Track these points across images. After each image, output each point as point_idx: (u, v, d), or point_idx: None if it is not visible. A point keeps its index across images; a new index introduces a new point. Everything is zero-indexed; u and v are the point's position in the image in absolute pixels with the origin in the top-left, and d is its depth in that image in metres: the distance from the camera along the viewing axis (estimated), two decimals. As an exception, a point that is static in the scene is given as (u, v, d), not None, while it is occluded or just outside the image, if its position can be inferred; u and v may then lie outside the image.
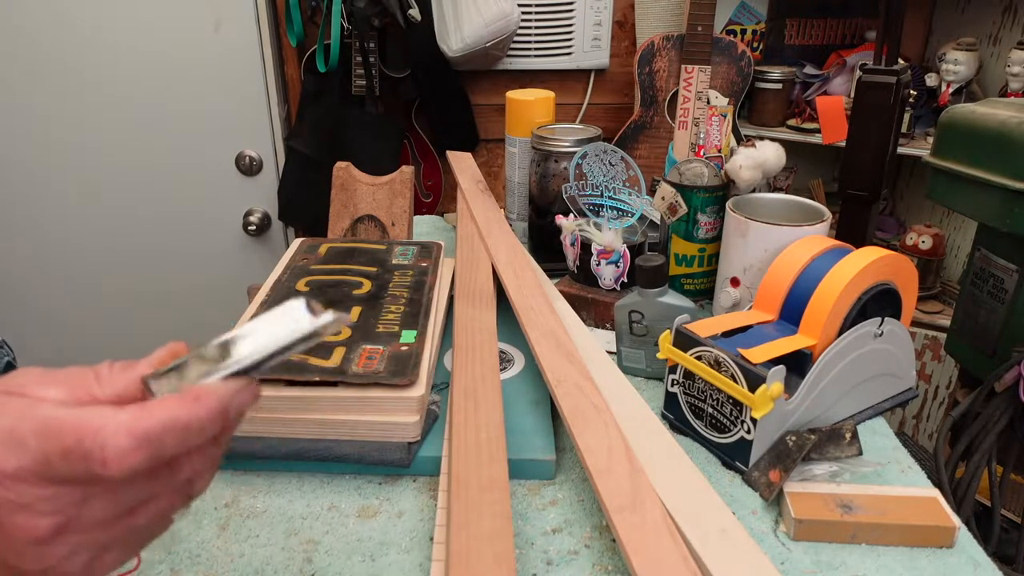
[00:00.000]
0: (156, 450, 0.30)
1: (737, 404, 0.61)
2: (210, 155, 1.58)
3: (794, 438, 0.61)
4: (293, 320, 0.33)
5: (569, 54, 1.73)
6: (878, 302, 0.67)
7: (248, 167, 1.60)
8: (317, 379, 0.60)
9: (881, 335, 0.66)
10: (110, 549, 0.32)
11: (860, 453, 0.63)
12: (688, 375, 0.66)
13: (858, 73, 1.07)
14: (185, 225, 1.63)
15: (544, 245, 1.01)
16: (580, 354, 0.70)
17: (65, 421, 0.29)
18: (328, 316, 0.33)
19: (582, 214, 0.87)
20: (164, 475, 0.32)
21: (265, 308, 0.72)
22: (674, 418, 0.69)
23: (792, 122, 1.69)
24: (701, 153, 0.93)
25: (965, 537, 0.56)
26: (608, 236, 0.84)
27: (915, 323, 1.57)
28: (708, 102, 1.36)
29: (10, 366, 0.70)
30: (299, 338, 0.33)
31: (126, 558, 0.34)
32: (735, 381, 0.60)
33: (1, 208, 1.57)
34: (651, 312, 0.75)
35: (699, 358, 0.64)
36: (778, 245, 0.74)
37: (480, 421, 0.60)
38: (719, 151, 0.92)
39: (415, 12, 1.52)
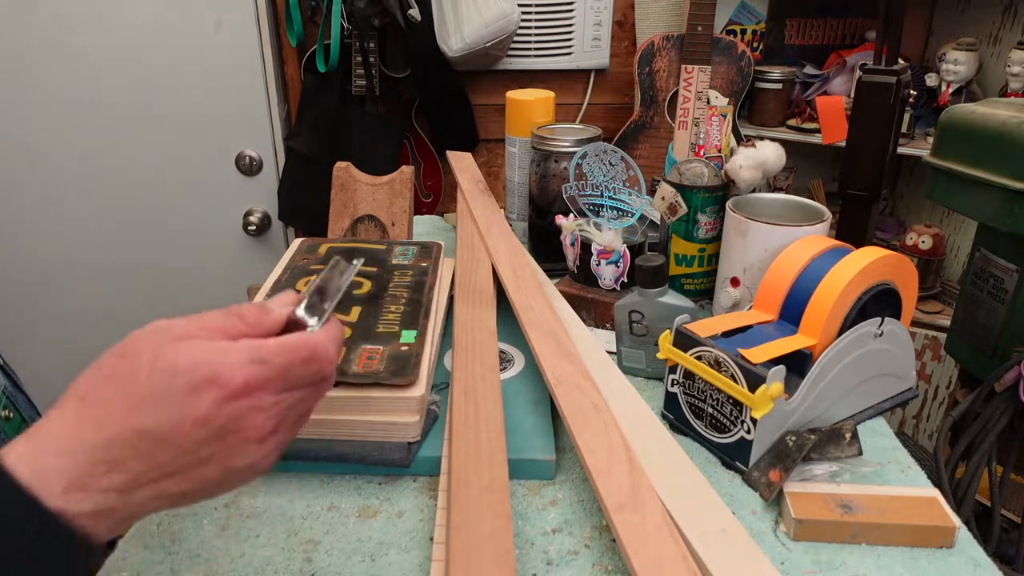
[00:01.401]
0: (339, 350, 0.43)
1: (737, 404, 0.61)
2: (210, 155, 1.58)
3: (794, 438, 0.61)
4: (341, 270, 0.46)
5: (569, 54, 1.73)
6: (878, 302, 0.67)
7: (248, 167, 1.60)
8: (317, 379, 0.60)
9: (881, 335, 0.66)
10: (282, 447, 0.42)
11: (860, 453, 0.63)
12: (688, 375, 0.66)
13: (858, 73, 1.07)
14: (185, 225, 1.63)
15: (544, 245, 1.01)
16: (580, 354, 0.70)
17: (292, 339, 0.40)
18: (359, 261, 0.48)
19: (582, 214, 0.87)
20: (323, 393, 0.44)
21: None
22: (674, 418, 0.69)
23: (792, 122, 1.69)
24: (701, 153, 0.93)
25: (965, 537, 0.56)
26: (608, 236, 0.84)
27: (915, 323, 1.57)
28: (708, 102, 1.36)
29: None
30: (350, 279, 0.46)
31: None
32: (735, 381, 0.60)
33: (0, 208, 1.57)
34: (651, 312, 0.75)
35: (699, 358, 0.64)
36: (778, 245, 0.74)
37: (480, 421, 0.60)
38: (719, 151, 0.92)
39: (415, 12, 1.52)
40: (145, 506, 0.37)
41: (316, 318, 0.43)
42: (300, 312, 0.43)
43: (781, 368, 0.58)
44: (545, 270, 0.91)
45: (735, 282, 0.82)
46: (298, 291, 0.75)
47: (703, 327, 0.66)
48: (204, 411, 0.36)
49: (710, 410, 0.65)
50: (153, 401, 0.36)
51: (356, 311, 0.71)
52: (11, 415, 0.64)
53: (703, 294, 0.92)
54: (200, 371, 0.36)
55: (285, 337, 0.40)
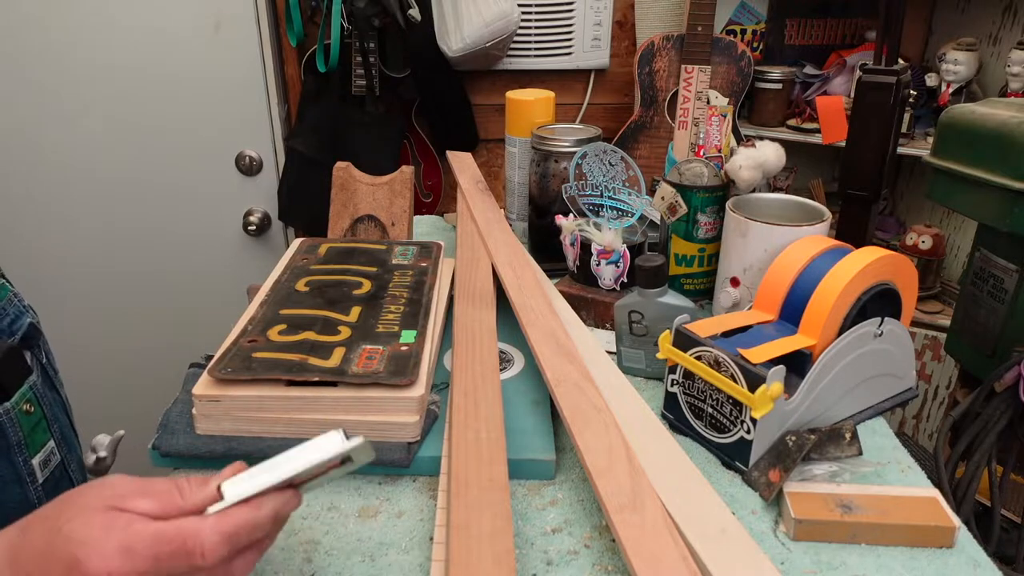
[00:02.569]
0: (234, 543, 0.40)
1: (737, 404, 0.61)
2: (210, 155, 1.58)
3: (794, 438, 0.61)
4: (330, 442, 0.43)
5: (569, 54, 1.73)
6: (878, 302, 0.67)
7: (248, 167, 1.60)
8: (317, 379, 0.60)
9: (881, 335, 0.66)
10: None
11: (860, 453, 0.63)
12: (688, 375, 0.66)
13: (858, 73, 1.07)
14: (185, 225, 1.63)
15: (544, 245, 1.01)
16: (580, 354, 0.70)
17: (169, 530, 0.39)
18: (358, 440, 0.43)
19: (582, 214, 0.87)
20: (221, 569, 0.41)
21: (264, 307, 0.72)
22: (674, 418, 0.69)
23: (792, 122, 1.69)
24: (701, 153, 0.93)
25: (965, 537, 0.56)
26: (608, 236, 0.84)
27: (915, 323, 1.57)
28: (708, 102, 1.36)
29: (34, 328, 0.72)
30: (331, 457, 0.43)
31: None
32: (735, 381, 0.60)
33: (0, 208, 1.57)
34: (651, 312, 0.75)
35: (699, 358, 0.64)
36: (778, 245, 0.74)
37: (480, 421, 0.60)
38: (719, 151, 0.92)
39: (415, 12, 1.52)
40: None
41: (223, 501, 0.41)
42: (224, 486, 0.42)
43: (781, 368, 0.58)
44: (545, 270, 0.91)
45: (735, 282, 0.82)
46: (299, 291, 0.75)
47: (703, 327, 0.66)
48: None
49: (710, 410, 0.65)
50: (43, 564, 0.39)
51: (356, 311, 0.71)
52: (32, 409, 0.65)
53: (703, 294, 0.92)
54: (80, 550, 0.38)
55: (161, 525, 0.39)
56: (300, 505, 0.45)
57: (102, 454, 0.79)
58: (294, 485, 0.44)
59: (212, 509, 0.41)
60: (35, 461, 0.65)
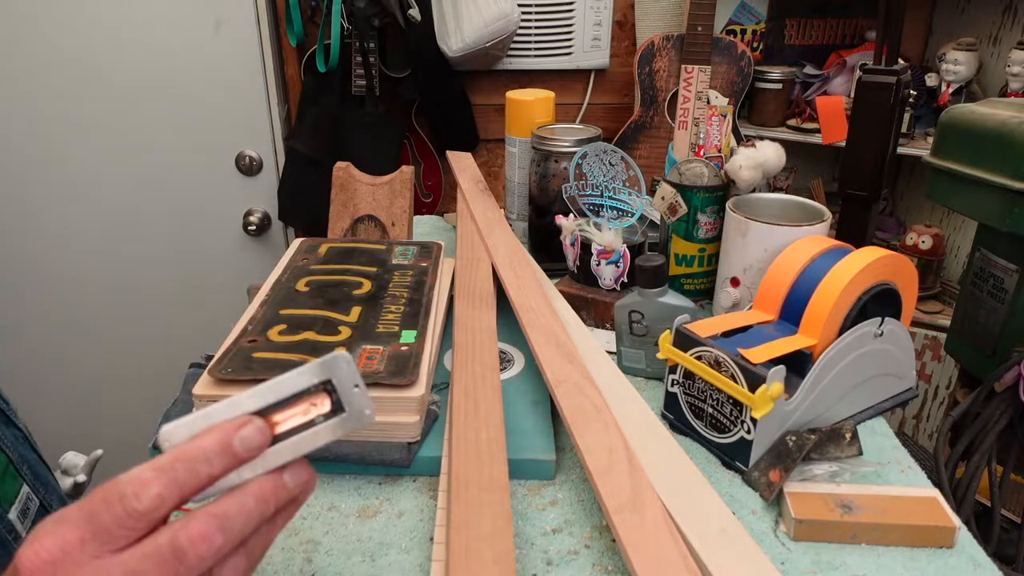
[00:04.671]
0: (170, 477, 0.32)
1: (737, 404, 0.61)
2: (210, 155, 1.58)
3: (794, 438, 0.61)
4: (298, 372, 0.35)
5: (569, 54, 1.73)
6: (878, 302, 0.67)
7: (248, 167, 1.60)
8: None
9: (881, 335, 0.66)
10: None
11: (860, 453, 0.63)
12: (688, 375, 0.66)
13: (858, 73, 1.07)
14: (185, 225, 1.63)
15: (544, 245, 1.01)
16: (580, 354, 0.70)
17: (100, 487, 0.32)
18: (333, 354, 0.35)
19: (582, 214, 0.87)
20: (172, 565, 0.32)
21: (264, 307, 0.72)
22: (674, 418, 0.69)
23: (792, 122, 1.69)
24: (701, 153, 0.93)
25: (965, 537, 0.56)
26: (608, 236, 0.84)
27: (915, 323, 1.57)
28: (708, 102, 1.36)
29: None
30: (292, 373, 0.35)
31: None
32: (735, 381, 0.60)
33: (1, 207, 1.57)
34: (651, 312, 0.75)
35: (699, 358, 0.64)
36: (778, 245, 0.74)
37: (480, 421, 0.60)
38: (719, 151, 0.92)
39: (415, 12, 1.52)
40: None
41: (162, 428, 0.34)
42: (165, 428, 0.34)
43: (781, 368, 0.58)
44: (545, 270, 0.91)
45: (735, 282, 0.82)
46: (299, 291, 0.75)
47: (703, 327, 0.66)
48: None
49: (710, 410, 0.65)
50: None
51: (356, 311, 0.71)
52: None
53: (703, 294, 0.92)
54: (17, 556, 0.32)
55: (96, 489, 0.33)
56: (267, 437, 0.35)
57: (80, 478, 0.72)
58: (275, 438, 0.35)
59: (159, 436, 0.34)
60: (12, 515, 0.57)
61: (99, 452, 0.74)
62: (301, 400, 0.35)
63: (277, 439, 0.35)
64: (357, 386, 0.35)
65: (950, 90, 1.54)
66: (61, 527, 0.32)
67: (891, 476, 0.63)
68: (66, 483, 0.74)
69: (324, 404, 0.35)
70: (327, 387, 0.35)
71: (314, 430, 0.35)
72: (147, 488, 0.32)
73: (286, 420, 0.35)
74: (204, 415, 0.34)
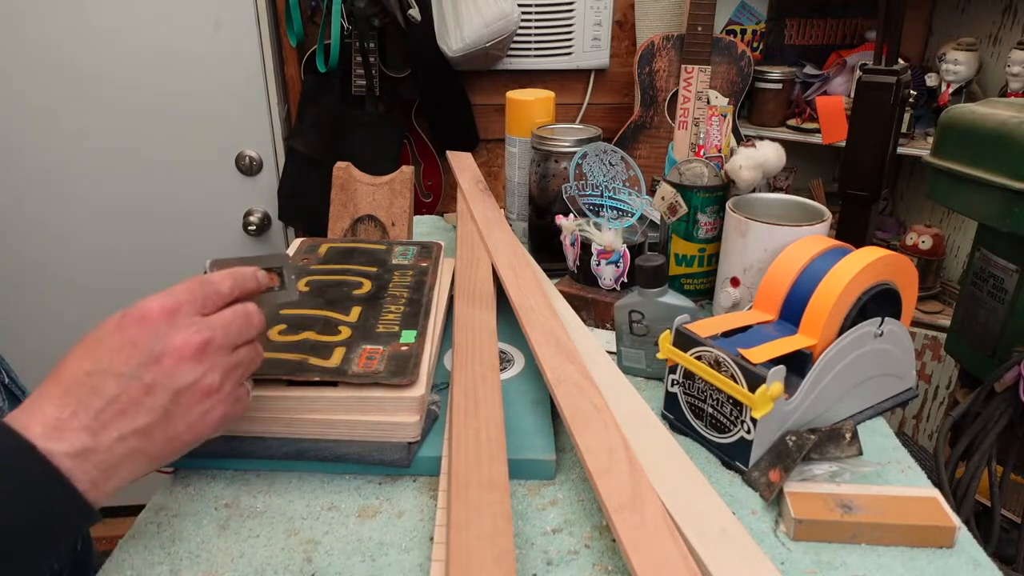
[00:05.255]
0: (235, 278, 0.51)
1: (737, 404, 0.61)
2: (210, 155, 1.58)
3: (794, 438, 0.61)
4: (261, 258, 0.57)
5: (569, 54, 1.73)
6: (878, 302, 0.67)
7: (248, 167, 1.60)
8: (317, 379, 0.60)
9: (881, 335, 0.66)
10: (229, 377, 0.49)
11: (860, 453, 0.63)
12: (688, 375, 0.66)
13: (858, 73, 1.07)
14: (185, 225, 1.63)
15: (544, 245, 1.01)
16: (580, 354, 0.70)
17: (187, 280, 0.49)
18: (283, 252, 0.60)
19: (582, 214, 0.87)
20: (246, 318, 0.51)
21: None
22: (674, 418, 0.69)
23: (792, 122, 1.69)
24: (701, 153, 0.93)
25: (965, 537, 0.56)
26: (608, 236, 0.84)
27: (915, 323, 1.57)
28: (708, 102, 1.36)
29: None
30: (258, 255, 0.58)
31: (239, 405, 0.51)
32: (735, 381, 0.60)
33: (0, 208, 1.57)
34: (651, 312, 0.75)
35: (699, 358, 0.64)
36: (778, 245, 0.74)
37: (480, 421, 0.60)
38: (719, 151, 0.92)
39: (415, 12, 1.52)
40: (117, 451, 0.43)
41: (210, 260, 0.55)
42: (210, 261, 0.55)
43: (781, 368, 0.58)
44: (545, 270, 0.91)
45: (735, 282, 0.82)
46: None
47: (703, 327, 0.66)
48: (132, 336, 0.44)
49: (710, 410, 0.65)
50: (95, 345, 0.44)
51: (356, 311, 0.71)
52: None
53: (703, 294, 0.92)
54: (126, 312, 0.45)
55: (189, 280, 0.49)
56: (259, 313, 0.53)
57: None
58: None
59: (207, 265, 0.54)
60: None
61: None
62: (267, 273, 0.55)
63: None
64: (293, 276, 0.57)
65: (950, 90, 1.54)
66: (172, 294, 0.46)
67: (891, 476, 0.63)
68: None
69: (276, 282, 0.57)
70: (278, 271, 0.57)
71: (271, 295, 0.56)
72: (225, 282, 0.50)
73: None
74: (227, 260, 0.54)
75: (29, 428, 0.40)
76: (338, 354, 0.63)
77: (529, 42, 1.70)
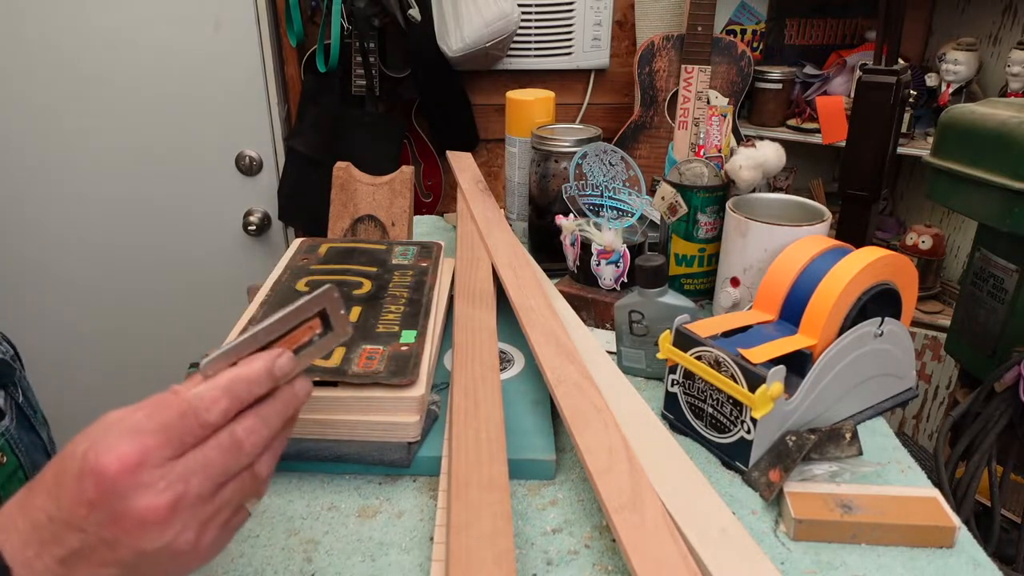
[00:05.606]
0: (233, 395, 0.39)
1: (737, 404, 0.61)
2: (210, 155, 1.58)
3: (794, 438, 0.61)
4: (298, 306, 0.43)
5: (569, 54, 1.73)
6: (878, 302, 0.67)
7: (248, 167, 1.60)
8: (317, 379, 0.60)
9: (881, 335, 0.66)
10: (209, 527, 0.40)
11: (860, 453, 0.63)
12: (688, 375, 0.66)
13: (858, 73, 1.07)
14: (185, 225, 1.63)
15: (544, 245, 1.01)
16: (580, 354, 0.70)
17: (170, 400, 0.38)
18: (323, 288, 0.44)
19: (582, 214, 0.87)
20: (234, 450, 0.40)
21: (265, 308, 0.72)
22: (674, 418, 0.69)
23: (792, 122, 1.69)
24: (701, 153, 0.93)
25: (965, 537, 0.56)
26: (608, 236, 0.84)
27: (915, 323, 1.57)
28: (708, 102, 1.36)
29: (6, 365, 0.68)
30: (296, 307, 0.43)
31: (222, 540, 0.41)
32: (735, 381, 0.60)
33: (1, 207, 1.57)
34: (651, 312, 0.75)
35: (699, 358, 0.64)
36: (778, 245, 0.74)
37: (480, 421, 0.60)
38: (719, 151, 0.92)
39: (415, 12, 1.52)
40: None
41: (206, 358, 0.41)
42: (208, 359, 0.41)
43: (781, 368, 0.58)
44: (545, 270, 0.91)
45: (735, 282, 0.82)
46: (299, 291, 0.75)
47: (703, 327, 0.66)
48: (89, 495, 0.36)
49: (710, 410, 0.65)
50: (56, 489, 0.37)
51: (356, 311, 0.71)
52: (5, 459, 0.61)
53: (703, 294, 0.92)
54: (87, 456, 0.36)
55: (155, 397, 0.39)
56: (301, 380, 0.44)
57: None
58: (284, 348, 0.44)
59: (202, 365, 0.41)
60: None
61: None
62: (302, 326, 0.44)
63: None
64: (342, 311, 0.45)
65: (950, 90, 1.54)
66: (138, 436, 0.37)
67: (891, 476, 0.63)
68: None
69: (318, 327, 0.45)
70: (321, 314, 0.45)
71: (313, 347, 0.45)
72: (217, 404, 0.39)
73: (294, 342, 0.44)
74: (235, 348, 0.41)
75: (3, 547, 0.37)
76: (338, 354, 0.63)
77: (529, 42, 1.70)
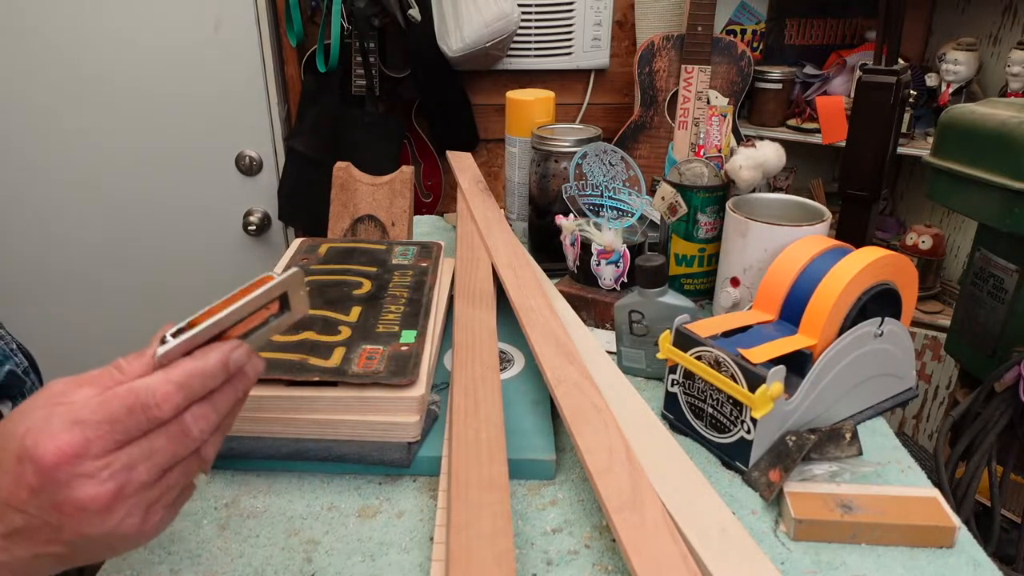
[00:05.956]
0: (187, 390, 0.39)
1: (737, 404, 0.61)
2: (210, 155, 1.58)
3: (794, 438, 0.61)
4: (265, 291, 0.42)
5: (569, 54, 1.73)
6: (878, 302, 0.67)
7: (248, 167, 1.60)
8: (317, 379, 0.60)
9: (881, 335, 0.66)
10: (154, 509, 0.40)
11: (860, 453, 0.63)
12: (688, 375, 0.66)
13: (858, 73, 1.07)
14: (185, 225, 1.63)
15: (544, 245, 1.01)
16: (580, 354, 0.70)
17: (119, 392, 0.37)
18: (287, 273, 0.43)
19: (582, 214, 0.87)
20: (181, 438, 0.39)
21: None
22: (674, 418, 0.69)
23: (792, 122, 1.69)
24: (701, 153, 0.93)
25: (965, 537, 0.56)
26: (608, 236, 0.84)
27: (915, 323, 1.57)
28: (708, 102, 1.36)
29: (14, 376, 0.68)
30: (258, 294, 0.42)
31: (168, 518, 0.41)
32: (735, 381, 0.60)
33: (1, 208, 1.57)
34: (651, 312, 0.75)
35: (699, 358, 0.64)
36: (778, 245, 0.74)
37: (480, 421, 0.60)
38: (719, 151, 0.92)
39: (415, 12, 1.52)
40: (32, 564, 0.38)
41: (167, 343, 0.39)
42: (167, 335, 0.40)
43: (781, 368, 0.58)
44: (545, 270, 0.91)
45: (735, 282, 0.82)
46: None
47: (703, 327, 0.66)
48: (29, 480, 0.36)
49: (710, 410, 0.65)
50: (1, 460, 0.37)
51: (356, 311, 0.71)
52: None
53: (703, 294, 0.92)
54: (26, 440, 0.36)
55: (107, 392, 0.38)
56: (253, 359, 0.43)
57: None
58: (239, 336, 0.43)
59: (157, 354, 0.39)
60: None
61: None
62: (261, 308, 0.43)
63: (243, 337, 0.43)
64: (303, 291, 0.44)
65: (950, 90, 1.54)
66: (81, 429, 0.36)
67: (891, 476, 0.63)
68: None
69: (275, 308, 0.44)
70: (281, 295, 0.44)
71: (268, 327, 0.44)
72: (170, 400, 0.38)
73: (249, 323, 0.43)
74: (192, 338, 0.40)
75: None
76: (338, 354, 0.63)
77: (529, 42, 1.70)
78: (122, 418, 0.37)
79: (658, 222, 0.86)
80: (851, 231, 0.88)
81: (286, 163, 1.61)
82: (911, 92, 1.52)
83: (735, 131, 1.59)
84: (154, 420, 0.38)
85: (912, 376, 0.73)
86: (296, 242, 0.87)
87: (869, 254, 0.67)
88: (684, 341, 0.65)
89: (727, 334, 0.66)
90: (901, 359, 0.71)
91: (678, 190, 0.87)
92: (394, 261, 0.83)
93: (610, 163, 0.83)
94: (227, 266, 1.68)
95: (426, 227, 1.23)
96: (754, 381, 0.59)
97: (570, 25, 1.70)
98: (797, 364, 0.64)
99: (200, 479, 0.61)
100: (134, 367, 0.39)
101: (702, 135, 0.93)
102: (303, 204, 1.60)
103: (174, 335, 0.40)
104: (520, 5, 1.61)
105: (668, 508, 0.52)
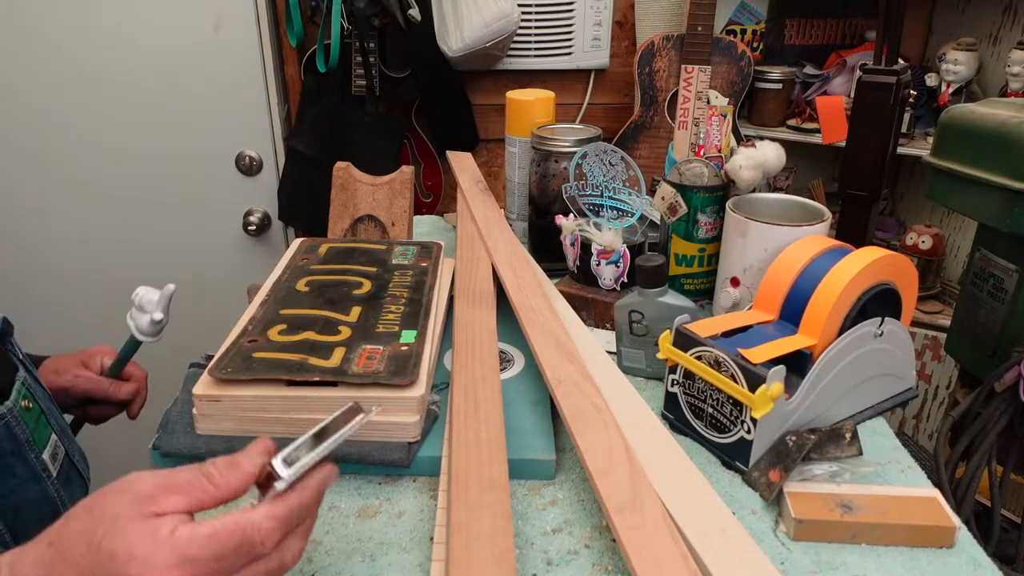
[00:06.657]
0: (289, 524, 0.41)
1: (737, 404, 0.61)
2: (210, 155, 1.58)
3: (794, 438, 0.61)
4: (353, 415, 0.46)
5: (569, 54, 1.73)
6: (878, 302, 0.67)
7: (248, 167, 1.60)
8: (317, 379, 0.60)
9: (881, 335, 0.66)
10: None
11: (860, 453, 0.63)
12: (688, 375, 0.66)
13: (858, 73, 1.07)
14: (185, 225, 1.63)
15: (544, 245, 1.01)
16: (580, 354, 0.70)
17: (225, 527, 0.39)
18: (372, 410, 0.47)
19: (582, 214, 0.87)
20: (277, 567, 0.42)
21: (264, 307, 0.72)
22: (674, 418, 0.69)
23: (792, 122, 1.69)
24: (701, 153, 0.93)
25: (965, 537, 0.56)
26: (608, 236, 0.84)
27: (915, 323, 1.57)
28: (708, 102, 1.36)
29: (6, 322, 0.70)
30: (357, 429, 0.46)
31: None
32: (735, 381, 0.60)
33: (1, 208, 1.57)
34: (651, 312, 0.75)
35: (699, 358, 0.64)
36: (778, 245, 0.74)
37: (480, 421, 0.60)
38: (719, 151, 0.92)
39: (415, 12, 1.52)
40: None
41: (283, 479, 0.41)
42: (276, 464, 0.42)
43: (781, 368, 0.58)
44: (545, 270, 0.91)
45: (735, 282, 0.82)
46: (302, 293, 0.75)
47: (703, 327, 0.66)
48: (88, 527, 0.37)
49: (710, 410, 0.65)
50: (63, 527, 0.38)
51: (356, 311, 0.71)
52: (30, 405, 0.65)
53: (703, 294, 0.92)
54: (133, 569, 0.36)
55: (213, 524, 0.39)
56: (337, 477, 0.45)
57: (157, 315, 0.82)
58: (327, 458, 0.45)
59: (277, 489, 0.41)
60: (45, 456, 0.65)
61: (171, 287, 0.78)
62: None
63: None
64: (374, 407, 0.48)
65: (950, 90, 1.54)
66: (190, 567, 0.37)
67: (891, 476, 0.63)
68: (142, 321, 0.82)
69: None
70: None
71: (344, 432, 0.45)
72: (273, 537, 0.40)
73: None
74: (311, 457, 0.43)
75: None
76: (338, 354, 0.63)
77: (529, 42, 1.70)
78: (229, 555, 0.39)
79: (658, 222, 0.86)
80: (851, 231, 0.88)
81: (286, 163, 1.61)
82: (911, 92, 1.52)
83: (735, 131, 1.59)
84: (259, 557, 0.40)
85: (912, 376, 0.73)
86: (296, 242, 0.87)
87: (869, 254, 0.67)
88: (684, 341, 0.65)
89: (727, 334, 0.66)
90: (901, 359, 0.71)
91: (678, 190, 0.87)
92: (394, 261, 0.83)
93: (610, 163, 0.83)
94: (227, 266, 1.68)
95: (426, 227, 1.23)
96: (754, 381, 0.59)
97: (570, 25, 1.70)
98: (797, 364, 0.64)
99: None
100: (229, 480, 0.41)
101: (702, 135, 0.93)
102: (303, 204, 1.60)
103: (286, 461, 0.42)
104: (520, 5, 1.60)
105: (668, 508, 0.52)
